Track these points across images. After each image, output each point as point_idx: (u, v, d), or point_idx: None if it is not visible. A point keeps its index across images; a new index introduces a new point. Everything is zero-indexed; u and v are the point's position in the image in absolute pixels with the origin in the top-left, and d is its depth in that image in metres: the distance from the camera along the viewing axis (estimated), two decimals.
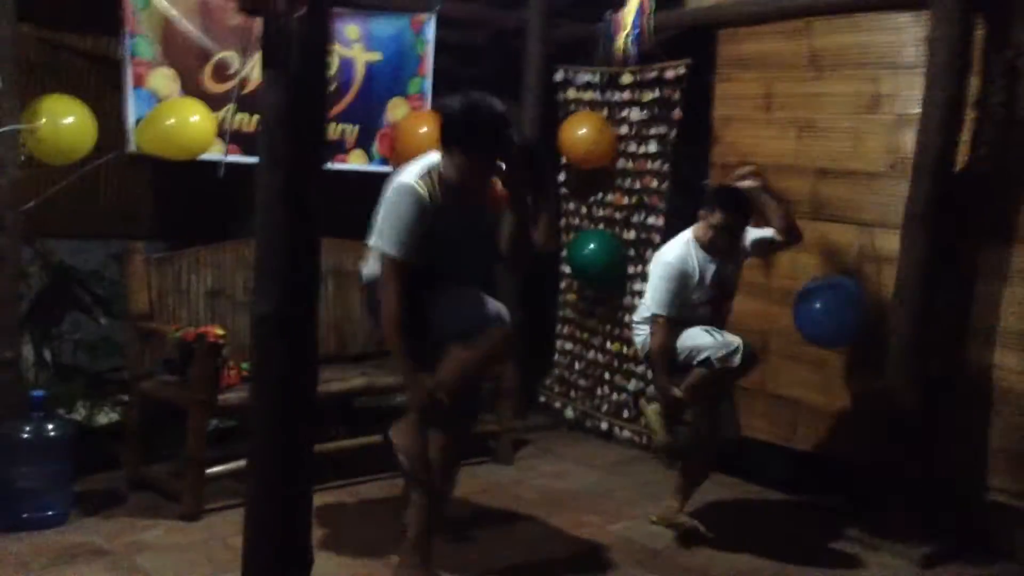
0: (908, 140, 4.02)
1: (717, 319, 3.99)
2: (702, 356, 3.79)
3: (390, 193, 3.11)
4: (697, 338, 3.82)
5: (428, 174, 3.12)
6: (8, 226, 3.80)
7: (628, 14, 4.15)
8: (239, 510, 3.79)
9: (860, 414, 4.24)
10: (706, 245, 3.90)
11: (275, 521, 2.21)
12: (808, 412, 4.46)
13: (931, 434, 3.95)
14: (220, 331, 3.82)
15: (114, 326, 4.78)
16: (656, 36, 4.89)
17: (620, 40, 4.82)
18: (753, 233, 4.03)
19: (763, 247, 4.07)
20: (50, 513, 3.68)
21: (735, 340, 3.80)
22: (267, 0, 2.03)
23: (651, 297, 3.90)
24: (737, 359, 3.77)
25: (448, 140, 3.10)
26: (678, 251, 3.91)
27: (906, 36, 4.09)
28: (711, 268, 3.90)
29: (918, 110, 3.92)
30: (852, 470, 4.27)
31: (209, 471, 3.88)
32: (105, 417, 4.72)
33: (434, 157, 3.17)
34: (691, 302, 3.88)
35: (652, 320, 3.87)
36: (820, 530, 4.13)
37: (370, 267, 3.25)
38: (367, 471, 4.40)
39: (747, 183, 3.98)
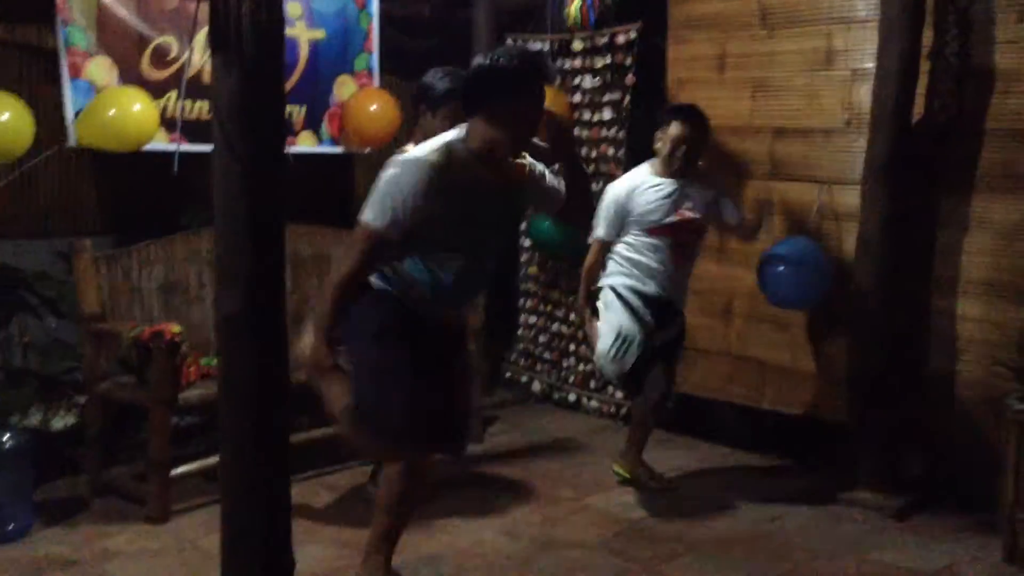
0: (864, 95, 4.01)
1: (682, 261, 4.02)
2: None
3: (391, 166, 2.70)
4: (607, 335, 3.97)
5: (445, 148, 2.71)
6: None
7: None
8: (207, 510, 3.80)
9: (827, 371, 4.27)
10: (665, 164, 3.95)
11: (253, 525, 2.13)
12: (775, 372, 4.47)
13: (898, 386, 3.98)
14: (176, 328, 3.70)
15: (64, 327, 4.61)
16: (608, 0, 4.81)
17: (573, 8, 4.73)
18: (726, 200, 4.08)
19: (723, 216, 4.10)
20: (11, 527, 3.55)
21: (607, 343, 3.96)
22: None
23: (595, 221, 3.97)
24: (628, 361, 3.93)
25: (488, 96, 2.71)
26: (629, 176, 4.04)
27: None
28: (671, 189, 3.93)
29: (872, 64, 3.92)
30: (822, 427, 4.30)
31: (174, 472, 3.77)
32: (61, 421, 4.54)
33: (448, 135, 2.80)
34: (649, 224, 3.92)
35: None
36: (792, 489, 4.15)
37: None
38: (337, 460, 4.32)
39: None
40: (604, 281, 4.05)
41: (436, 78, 3.42)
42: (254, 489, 2.13)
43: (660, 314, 3.99)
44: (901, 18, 3.77)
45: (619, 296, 3.98)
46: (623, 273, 3.99)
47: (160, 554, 3.45)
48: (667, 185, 3.96)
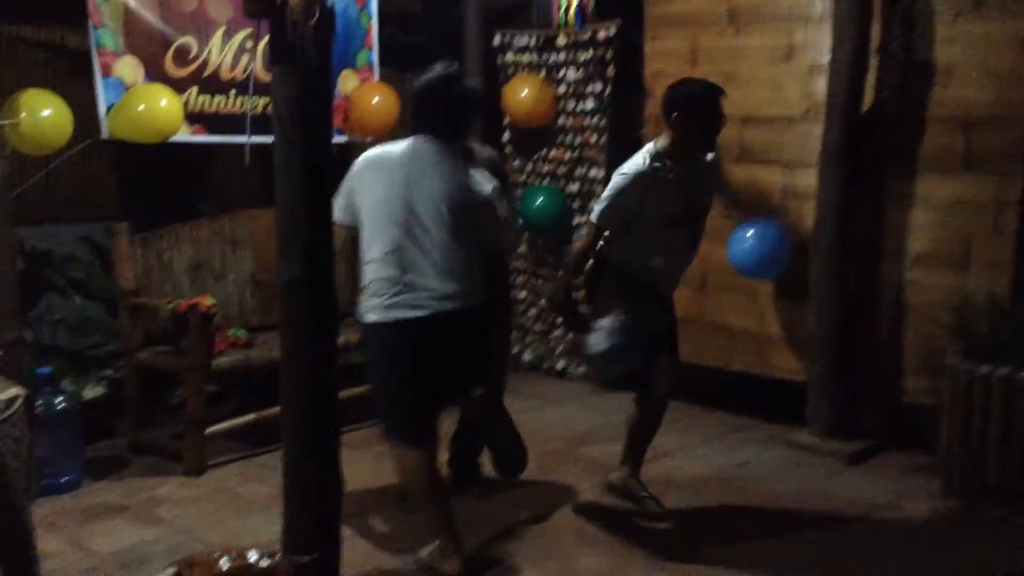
0: (821, 86, 4.47)
1: (692, 243, 3.73)
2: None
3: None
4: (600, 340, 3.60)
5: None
6: (1, 216, 4.02)
7: None
8: (237, 464, 4.25)
9: (790, 335, 4.74)
10: (669, 151, 3.57)
11: (310, 454, 2.58)
12: (743, 337, 4.94)
13: (853, 346, 4.46)
14: (210, 301, 4.12)
15: (90, 306, 5.02)
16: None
17: (560, 13, 5.11)
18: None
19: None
20: (65, 479, 3.98)
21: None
22: (274, 4, 2.34)
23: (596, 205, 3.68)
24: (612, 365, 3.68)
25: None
26: (634, 161, 3.61)
27: None
28: (677, 175, 3.56)
29: (828, 59, 4.38)
30: (784, 385, 4.77)
31: (208, 430, 4.20)
32: (91, 392, 4.95)
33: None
34: (655, 217, 3.55)
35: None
36: (758, 440, 4.63)
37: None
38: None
39: None
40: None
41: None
42: (310, 427, 2.57)
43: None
44: (852, 16, 4.22)
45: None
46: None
47: (202, 500, 3.89)
48: (673, 174, 3.58)
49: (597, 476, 4.09)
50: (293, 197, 2.48)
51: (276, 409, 4.35)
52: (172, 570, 1.67)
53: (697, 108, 3.56)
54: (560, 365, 5.85)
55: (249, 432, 4.39)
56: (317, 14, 2.28)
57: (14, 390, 2.28)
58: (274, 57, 2.45)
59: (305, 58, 2.40)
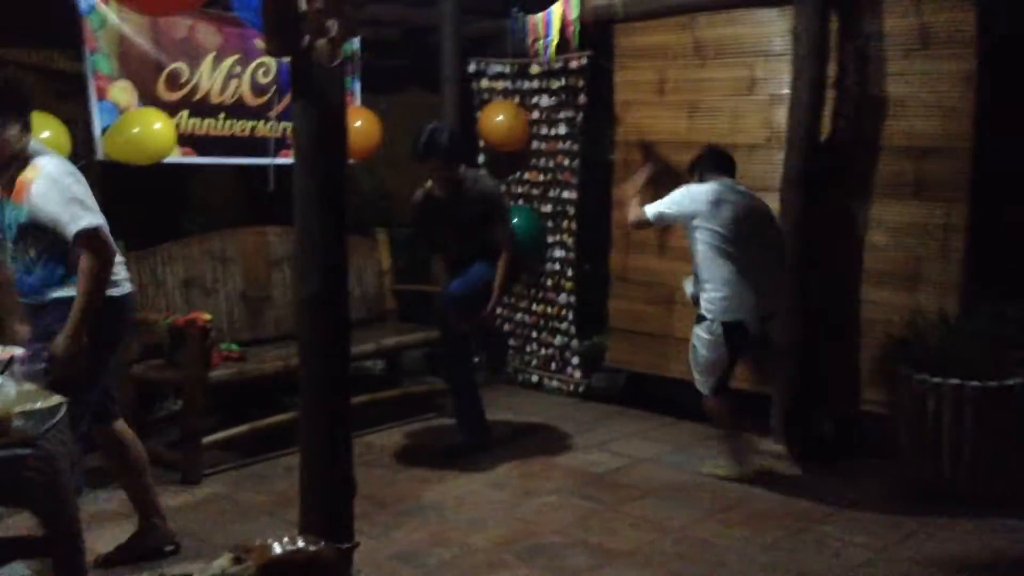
0: (780, 116, 4.79)
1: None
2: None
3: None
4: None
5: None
6: None
7: (542, 23, 4.68)
8: (232, 472, 4.43)
9: (755, 350, 5.01)
10: None
11: (325, 457, 2.78)
12: None
13: (814, 360, 4.76)
14: (207, 316, 4.30)
15: None
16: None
17: (533, 44, 5.30)
18: None
19: None
20: None
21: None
22: (296, 45, 2.57)
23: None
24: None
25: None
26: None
27: (774, 28, 4.87)
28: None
29: (787, 91, 4.70)
30: (748, 397, 5.05)
31: (205, 440, 4.37)
32: None
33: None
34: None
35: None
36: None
37: None
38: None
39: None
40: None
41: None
42: (324, 433, 2.78)
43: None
44: (810, 53, 4.55)
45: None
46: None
47: (201, 508, 4.06)
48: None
49: (576, 481, 4.34)
50: (312, 221, 2.70)
51: (269, 420, 4.60)
52: (230, 555, 1.87)
53: None
54: (535, 377, 6.09)
55: (242, 442, 4.56)
56: (340, 57, 2.50)
57: (56, 398, 2.46)
58: (297, 94, 2.67)
59: (326, 95, 2.63)
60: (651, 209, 4.38)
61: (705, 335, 4.28)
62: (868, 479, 4.43)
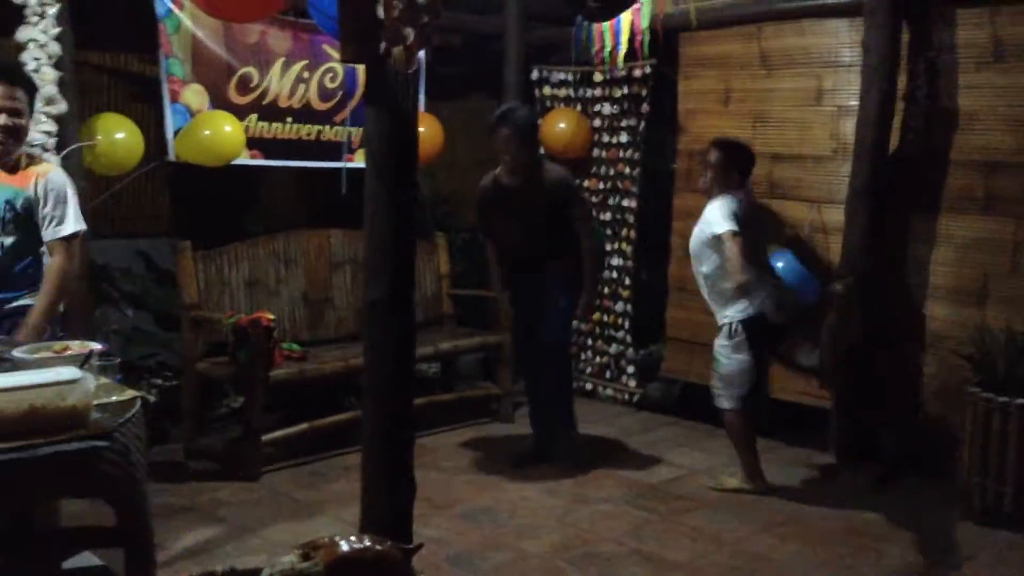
0: (848, 128, 4.73)
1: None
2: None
3: None
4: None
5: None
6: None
7: (610, 32, 4.67)
8: (290, 470, 4.50)
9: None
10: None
11: (387, 457, 2.81)
12: (774, 365, 5.14)
13: (875, 375, 4.69)
14: (270, 316, 4.38)
15: (141, 317, 5.27)
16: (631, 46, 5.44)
17: (600, 52, 5.25)
18: None
19: None
20: None
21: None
22: (372, 52, 2.61)
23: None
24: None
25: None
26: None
27: (843, 39, 4.81)
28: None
29: (855, 102, 4.64)
30: (808, 411, 5.00)
31: (265, 437, 4.44)
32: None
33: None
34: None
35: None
36: (785, 463, 4.82)
37: None
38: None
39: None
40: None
41: None
42: (389, 430, 2.81)
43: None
44: (880, 65, 4.49)
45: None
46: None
47: (261, 504, 4.13)
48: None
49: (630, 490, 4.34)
50: (382, 225, 2.74)
51: (328, 419, 4.66)
52: (299, 552, 1.90)
53: None
54: (589, 385, 6.08)
55: (301, 440, 4.63)
56: (415, 65, 2.53)
57: (131, 392, 2.52)
58: (371, 99, 2.72)
59: (399, 102, 2.67)
60: (733, 237, 4.12)
61: (725, 340, 4.28)
62: (928, 497, 4.35)
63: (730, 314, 4.27)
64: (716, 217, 4.18)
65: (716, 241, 4.18)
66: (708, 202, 4.33)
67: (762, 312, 4.24)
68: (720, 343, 4.32)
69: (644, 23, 4.53)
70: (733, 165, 4.33)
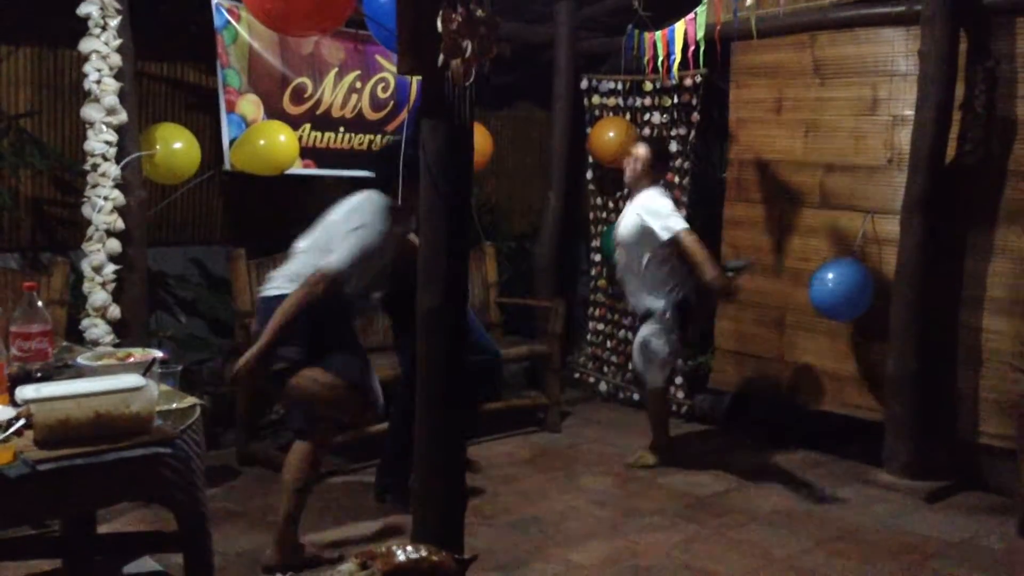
0: (904, 137, 4.67)
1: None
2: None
3: None
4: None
5: None
6: (136, 239, 4.39)
7: (662, 41, 4.64)
8: (339, 477, 4.54)
9: (868, 375, 4.91)
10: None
11: (440, 467, 2.83)
12: (823, 376, 5.11)
13: (931, 389, 4.62)
14: None
15: (195, 324, 5.36)
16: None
17: (652, 61, 5.22)
18: None
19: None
20: None
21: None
22: (430, 64, 2.63)
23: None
24: None
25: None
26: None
27: (899, 47, 4.75)
28: None
29: (911, 112, 4.58)
30: (865, 424, 4.93)
31: None
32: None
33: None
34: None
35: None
36: (836, 477, 4.78)
37: None
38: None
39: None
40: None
41: None
42: (442, 439, 2.83)
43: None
44: (937, 74, 4.42)
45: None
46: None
47: (311, 509, 4.08)
48: None
49: (680, 502, 4.32)
50: (437, 236, 2.76)
51: (375, 427, 4.69)
52: (356, 560, 1.93)
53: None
54: (636, 395, 6.05)
55: (349, 447, 4.67)
56: (472, 77, 2.55)
57: (191, 399, 2.57)
58: (428, 112, 2.74)
59: (455, 113, 2.69)
60: (690, 234, 4.62)
61: (657, 325, 4.68)
62: (984, 514, 4.27)
63: (664, 300, 4.68)
64: (664, 211, 4.62)
65: (662, 234, 4.58)
66: (635, 194, 4.82)
67: (686, 296, 4.71)
68: (650, 328, 4.72)
69: (699, 33, 4.48)
70: (660, 159, 4.86)
